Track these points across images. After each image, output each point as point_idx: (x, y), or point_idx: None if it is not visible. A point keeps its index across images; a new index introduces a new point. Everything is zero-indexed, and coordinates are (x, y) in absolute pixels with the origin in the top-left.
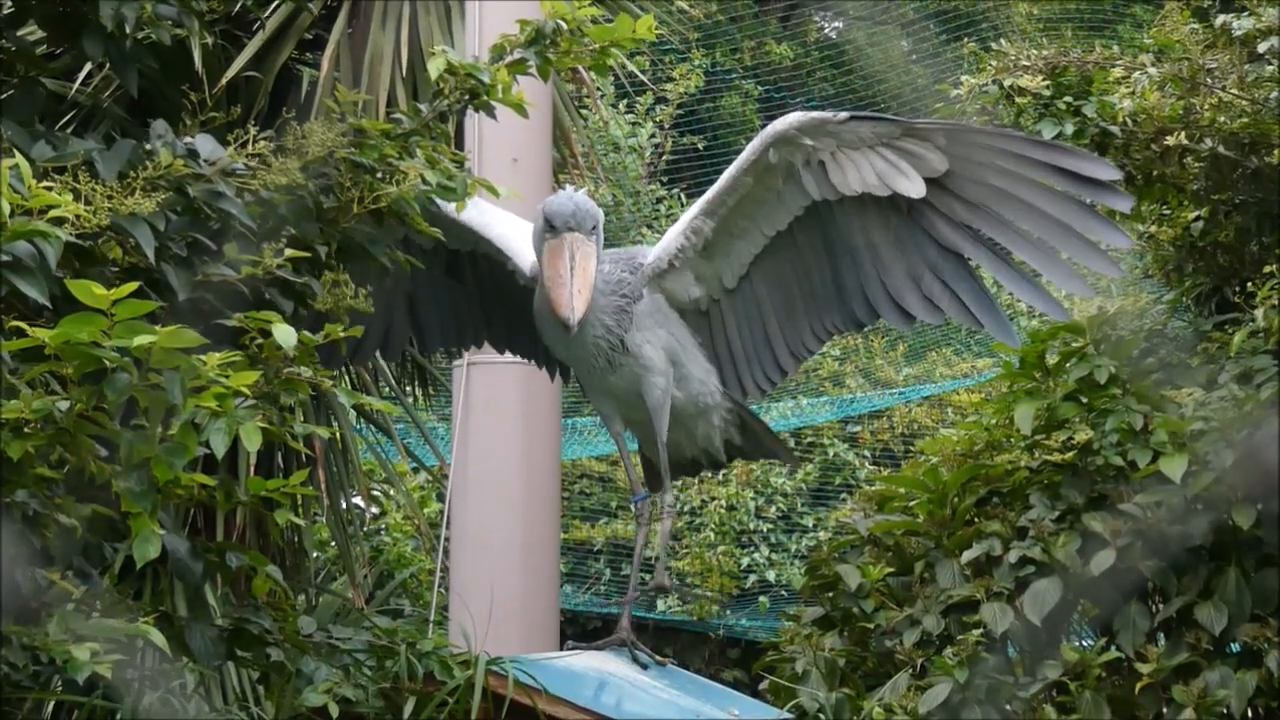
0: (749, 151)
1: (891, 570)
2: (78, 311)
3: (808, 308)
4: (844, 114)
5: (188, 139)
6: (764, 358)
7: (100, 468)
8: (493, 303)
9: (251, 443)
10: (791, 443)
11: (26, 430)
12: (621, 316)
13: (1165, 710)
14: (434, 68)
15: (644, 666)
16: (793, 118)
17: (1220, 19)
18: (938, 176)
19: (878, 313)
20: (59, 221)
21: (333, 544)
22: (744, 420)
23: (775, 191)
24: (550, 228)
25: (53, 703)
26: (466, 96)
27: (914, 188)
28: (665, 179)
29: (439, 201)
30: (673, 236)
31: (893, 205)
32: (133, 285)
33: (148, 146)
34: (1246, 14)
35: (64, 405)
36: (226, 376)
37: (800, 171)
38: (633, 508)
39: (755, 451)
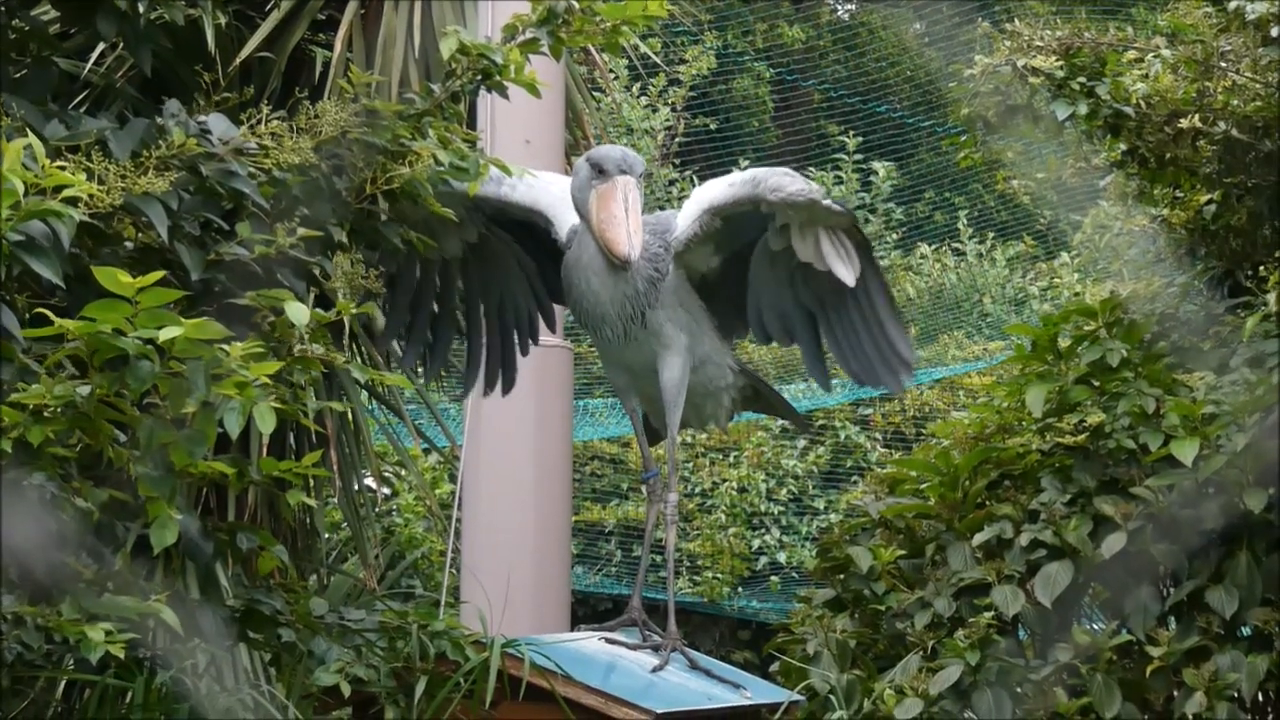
0: (742, 189)
1: (903, 553)
2: (91, 290)
3: None
4: (840, 208)
5: (200, 118)
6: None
7: (118, 453)
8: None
9: (265, 425)
10: None
11: (46, 415)
12: (650, 288)
13: (1176, 694)
14: (446, 47)
15: (655, 647)
16: (790, 191)
17: (1234, 2)
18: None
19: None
20: (72, 201)
21: (345, 525)
22: (757, 391)
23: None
24: (600, 172)
25: (64, 681)
26: (479, 77)
27: (849, 277)
28: (678, 161)
29: (504, 182)
30: (687, 224)
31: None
32: (158, 274)
33: (160, 122)
34: None
35: (84, 390)
36: (247, 367)
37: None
38: (644, 488)
39: (764, 411)
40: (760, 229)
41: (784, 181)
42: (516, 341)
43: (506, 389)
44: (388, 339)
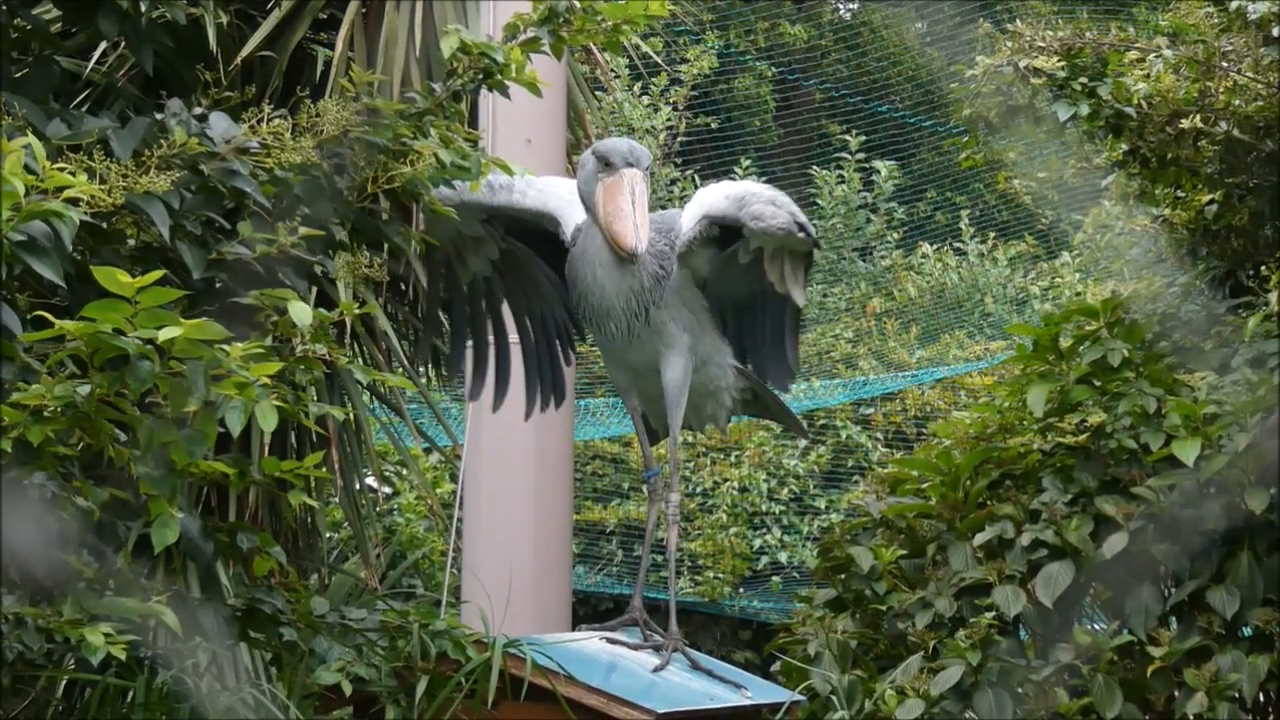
0: (730, 206)
1: (904, 553)
2: (93, 289)
3: None
4: (809, 239)
5: (199, 110)
6: None
7: (119, 452)
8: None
9: (267, 423)
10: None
11: (46, 414)
12: (655, 285)
13: (1177, 694)
14: (448, 46)
15: (656, 647)
16: (770, 224)
17: (1235, 2)
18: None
19: None
20: (74, 201)
21: (346, 525)
22: (756, 394)
23: None
24: (607, 165)
25: (65, 681)
26: (480, 76)
27: (801, 299)
28: (679, 160)
29: (514, 189)
30: (689, 225)
31: (755, 264)
32: (158, 274)
33: (160, 119)
34: None
35: (84, 390)
36: (247, 368)
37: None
38: (645, 487)
39: (761, 414)
40: None
41: (766, 211)
42: (560, 352)
43: (559, 401)
44: (452, 369)
